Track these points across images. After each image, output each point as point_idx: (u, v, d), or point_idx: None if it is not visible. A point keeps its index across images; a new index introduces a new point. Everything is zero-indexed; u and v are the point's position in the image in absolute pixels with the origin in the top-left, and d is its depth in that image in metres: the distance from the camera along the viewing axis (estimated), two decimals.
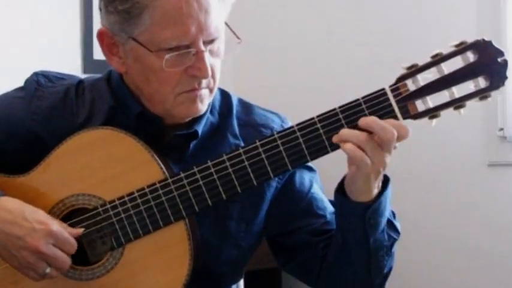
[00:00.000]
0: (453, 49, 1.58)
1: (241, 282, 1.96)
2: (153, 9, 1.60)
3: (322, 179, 1.84)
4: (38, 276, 1.62)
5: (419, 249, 3.32)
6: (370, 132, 1.56)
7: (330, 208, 1.79)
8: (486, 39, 1.57)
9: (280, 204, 1.78)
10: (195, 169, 1.64)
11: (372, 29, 3.48)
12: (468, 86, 1.58)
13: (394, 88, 1.59)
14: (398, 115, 1.59)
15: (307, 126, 1.61)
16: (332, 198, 1.71)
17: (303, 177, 1.80)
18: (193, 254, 1.64)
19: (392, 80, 1.59)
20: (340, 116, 1.59)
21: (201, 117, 1.72)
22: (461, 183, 3.26)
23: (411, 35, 3.33)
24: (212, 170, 1.63)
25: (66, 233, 1.63)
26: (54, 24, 3.30)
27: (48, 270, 1.62)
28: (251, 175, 1.62)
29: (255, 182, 1.63)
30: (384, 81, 1.61)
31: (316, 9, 3.64)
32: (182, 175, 1.64)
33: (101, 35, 1.69)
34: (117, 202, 1.66)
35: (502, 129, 3.16)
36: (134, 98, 1.72)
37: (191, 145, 1.72)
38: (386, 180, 1.64)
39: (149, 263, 1.66)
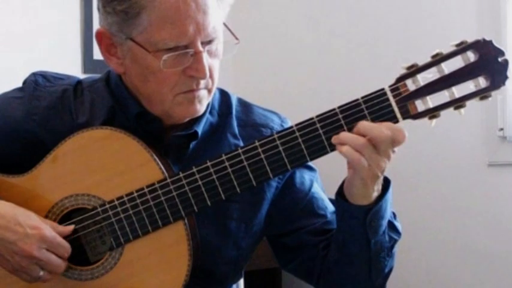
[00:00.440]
0: (453, 49, 1.57)
1: (241, 282, 1.96)
2: (151, 9, 1.59)
3: (322, 178, 1.84)
4: (32, 279, 1.63)
5: (419, 249, 3.32)
6: None
7: (331, 207, 1.79)
8: (486, 38, 1.57)
9: (280, 204, 1.78)
10: (194, 169, 1.63)
11: (371, 29, 3.47)
12: (468, 86, 1.57)
13: (394, 88, 1.58)
14: (398, 115, 1.58)
15: (306, 126, 1.60)
16: (332, 197, 1.70)
17: (303, 177, 1.80)
18: (192, 254, 1.64)
19: (392, 80, 1.59)
20: (340, 116, 1.59)
21: (200, 117, 1.72)
22: (461, 183, 3.26)
23: (411, 35, 3.33)
24: (211, 170, 1.63)
25: (60, 237, 1.63)
26: (54, 24, 3.30)
27: (41, 273, 1.62)
28: (250, 175, 1.62)
29: (254, 182, 1.62)
30: (384, 81, 1.61)
31: (316, 9, 3.64)
32: (181, 175, 1.64)
33: (99, 36, 1.69)
34: (116, 202, 1.66)
35: (502, 129, 3.15)
36: (133, 98, 1.71)
37: (191, 145, 1.72)
38: (387, 183, 1.64)
39: (148, 263, 1.66)
